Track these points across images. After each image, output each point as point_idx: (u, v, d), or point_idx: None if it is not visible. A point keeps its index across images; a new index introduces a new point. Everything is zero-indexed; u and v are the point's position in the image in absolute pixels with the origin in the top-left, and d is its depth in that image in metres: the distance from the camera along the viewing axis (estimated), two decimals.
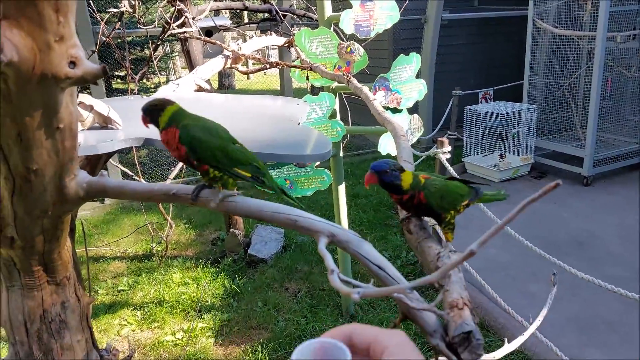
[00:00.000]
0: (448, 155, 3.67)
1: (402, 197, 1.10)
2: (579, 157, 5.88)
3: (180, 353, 3.31)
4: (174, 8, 3.62)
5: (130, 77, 4.18)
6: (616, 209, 5.17)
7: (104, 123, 1.57)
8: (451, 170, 3.62)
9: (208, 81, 2.66)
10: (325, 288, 4.00)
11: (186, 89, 2.29)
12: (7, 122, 0.88)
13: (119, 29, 4.25)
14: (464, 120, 6.47)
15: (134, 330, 3.59)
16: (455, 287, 0.81)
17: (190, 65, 4.05)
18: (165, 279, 4.22)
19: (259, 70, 2.86)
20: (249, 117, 1.93)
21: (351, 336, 0.57)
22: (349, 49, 2.97)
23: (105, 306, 3.85)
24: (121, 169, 4.11)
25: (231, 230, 4.61)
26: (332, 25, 3.10)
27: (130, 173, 3.55)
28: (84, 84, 0.85)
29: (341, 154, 3.41)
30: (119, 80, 9.70)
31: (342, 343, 0.55)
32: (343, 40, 3.01)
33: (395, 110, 3.05)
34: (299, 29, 3.03)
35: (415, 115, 3.18)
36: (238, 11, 13.89)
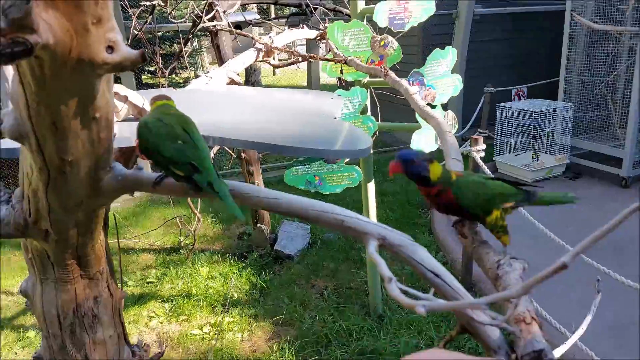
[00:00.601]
0: (482, 154, 3.56)
1: (431, 190, 1.02)
2: (617, 158, 5.63)
3: (207, 347, 3.30)
4: (205, 1, 3.60)
5: (160, 72, 4.19)
6: None
7: (139, 115, 1.54)
8: (485, 169, 3.50)
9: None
10: (352, 286, 3.94)
11: (219, 82, 2.26)
12: (42, 110, 0.85)
13: (150, 23, 4.26)
14: (496, 118, 6.29)
15: (161, 323, 3.60)
16: (521, 300, 0.73)
17: (220, 60, 4.03)
18: (192, 272, 4.23)
19: (291, 63, 2.81)
20: (278, 111, 1.88)
21: None
22: (382, 43, 2.88)
23: (134, 298, 3.87)
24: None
25: (258, 225, 4.59)
26: (365, 18, 3.02)
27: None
28: (122, 70, 0.81)
29: (371, 151, 3.33)
30: (148, 75, 9.81)
31: None
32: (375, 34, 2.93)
33: (428, 106, 2.96)
34: (329, 23, 2.96)
35: (450, 111, 3.08)
36: (265, 7, 13.90)
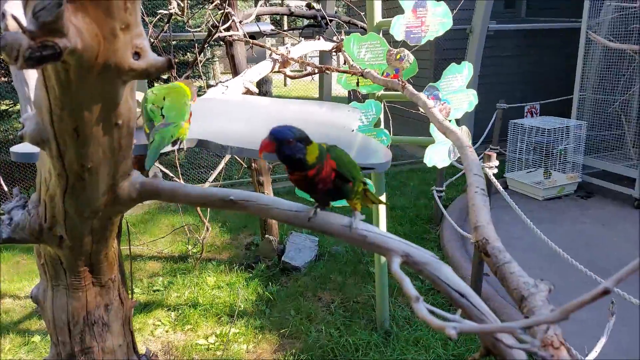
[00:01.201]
0: (495, 170, 3.52)
1: (307, 174, 0.93)
2: (630, 178, 5.57)
3: (212, 357, 3.26)
4: (221, 11, 3.62)
5: (174, 80, 4.20)
6: None
7: None
8: (498, 185, 3.46)
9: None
10: (359, 301, 3.89)
11: (235, 91, 2.26)
12: (65, 115, 0.84)
13: (165, 32, 4.30)
14: (508, 135, 6.26)
15: (167, 331, 3.57)
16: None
17: (234, 69, 4.05)
18: (199, 282, 4.21)
19: (307, 75, 2.81)
20: (295, 122, 1.87)
21: None
22: (398, 56, 2.88)
23: (140, 305, 3.85)
24: (162, 170, 4.13)
25: (266, 236, 4.56)
26: (381, 31, 3.02)
27: (171, 174, 3.55)
28: (147, 77, 0.80)
29: (390, 164, 3.31)
30: (162, 83, 9.90)
31: None
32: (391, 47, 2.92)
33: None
34: (344, 36, 2.96)
35: (464, 127, 3.06)
36: (279, 18, 14.01)
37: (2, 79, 6.31)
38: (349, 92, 2.98)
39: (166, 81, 9.32)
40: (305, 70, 2.93)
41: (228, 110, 1.97)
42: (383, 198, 3.41)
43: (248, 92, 2.35)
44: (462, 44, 7.24)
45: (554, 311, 0.50)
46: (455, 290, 0.74)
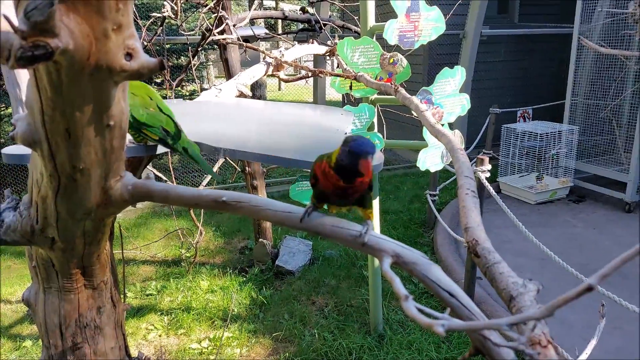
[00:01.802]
0: (488, 174, 3.54)
1: (355, 183, 0.90)
2: (621, 182, 5.62)
3: None
4: (215, 15, 3.63)
5: (168, 84, 4.21)
6: None
7: None
8: (490, 189, 3.49)
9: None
10: (353, 304, 3.89)
11: (228, 94, 2.26)
12: (57, 116, 0.84)
13: (159, 35, 4.29)
14: (501, 139, 6.30)
15: (160, 336, 3.55)
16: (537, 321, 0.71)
17: (228, 73, 4.05)
18: (192, 286, 4.19)
19: (301, 78, 2.82)
20: (288, 125, 1.88)
21: None
22: (391, 60, 2.89)
23: (133, 309, 3.83)
24: (155, 174, 4.12)
25: (260, 239, 4.56)
26: (375, 36, 3.04)
27: (164, 178, 3.54)
28: (139, 78, 0.80)
29: (382, 167, 3.32)
30: (155, 86, 9.88)
31: None
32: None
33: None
34: (338, 40, 2.97)
35: (457, 131, 3.08)
36: (273, 22, 14.03)
37: None
38: (343, 96, 2.98)
39: (159, 85, 9.30)
40: (300, 73, 2.94)
41: (222, 113, 1.97)
42: (376, 201, 3.41)
43: (241, 95, 2.36)
44: (456, 49, 7.29)
45: (540, 308, 0.50)
46: (445, 290, 0.75)
